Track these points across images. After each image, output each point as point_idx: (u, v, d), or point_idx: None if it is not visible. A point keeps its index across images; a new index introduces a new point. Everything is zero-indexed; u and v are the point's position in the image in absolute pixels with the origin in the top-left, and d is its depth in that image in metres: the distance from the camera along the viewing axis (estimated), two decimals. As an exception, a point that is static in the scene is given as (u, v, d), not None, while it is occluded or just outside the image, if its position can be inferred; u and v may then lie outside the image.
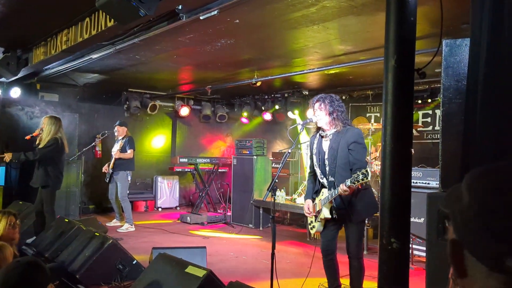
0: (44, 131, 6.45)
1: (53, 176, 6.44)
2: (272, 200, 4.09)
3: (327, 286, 4.24)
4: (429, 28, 5.05)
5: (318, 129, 4.13)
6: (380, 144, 8.10)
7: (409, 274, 1.99)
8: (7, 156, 6.41)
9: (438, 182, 5.85)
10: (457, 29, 4.90)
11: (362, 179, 3.52)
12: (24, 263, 1.99)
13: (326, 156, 4.01)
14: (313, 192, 4.20)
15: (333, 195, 3.85)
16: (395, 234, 1.94)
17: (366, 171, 3.52)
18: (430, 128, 8.65)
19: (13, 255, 2.57)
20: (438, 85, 8.00)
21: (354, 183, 3.58)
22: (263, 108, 10.80)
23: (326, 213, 3.99)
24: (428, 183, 5.91)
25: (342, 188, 3.70)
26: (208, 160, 10.13)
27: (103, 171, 8.39)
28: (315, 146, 4.17)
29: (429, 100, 8.40)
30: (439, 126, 8.32)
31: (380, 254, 2.00)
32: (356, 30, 5.33)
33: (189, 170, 10.25)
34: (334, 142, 3.96)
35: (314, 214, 4.08)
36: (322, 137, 4.11)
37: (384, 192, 1.99)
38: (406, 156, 1.99)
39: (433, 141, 8.52)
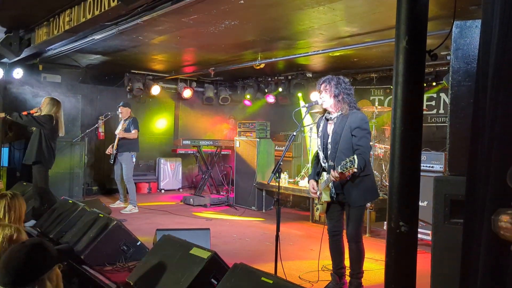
0: (42, 110, 6.49)
1: (46, 153, 6.42)
2: (277, 183, 4.09)
3: (331, 268, 4.27)
4: (437, 10, 4.97)
5: (325, 111, 4.10)
6: (387, 127, 8.09)
7: (416, 258, 1.98)
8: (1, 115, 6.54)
9: (442, 166, 5.86)
10: (465, 11, 4.83)
11: (350, 166, 3.50)
12: (29, 244, 1.99)
13: (329, 140, 3.99)
14: (315, 173, 4.21)
15: (329, 180, 3.85)
16: (403, 217, 1.92)
17: (353, 158, 3.50)
18: (435, 111, 8.61)
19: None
20: (443, 68, 7.95)
21: (343, 170, 3.57)
22: (266, 90, 10.72)
23: (325, 197, 4.02)
24: (432, 167, 5.90)
25: (333, 174, 3.71)
26: (211, 142, 10.12)
27: (107, 152, 8.39)
28: (320, 128, 4.15)
29: (434, 83, 8.32)
30: (443, 109, 8.39)
31: (388, 237, 1.99)
32: (363, 11, 5.26)
33: (192, 152, 10.24)
34: (338, 126, 3.93)
35: (318, 195, 4.09)
36: (327, 120, 4.08)
37: (393, 175, 1.97)
38: (416, 139, 1.97)
39: (437, 124, 8.48)
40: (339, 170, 3.60)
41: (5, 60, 8.25)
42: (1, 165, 8.90)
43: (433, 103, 8.63)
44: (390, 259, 1.98)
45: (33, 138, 6.49)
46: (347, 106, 3.93)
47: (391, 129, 2.02)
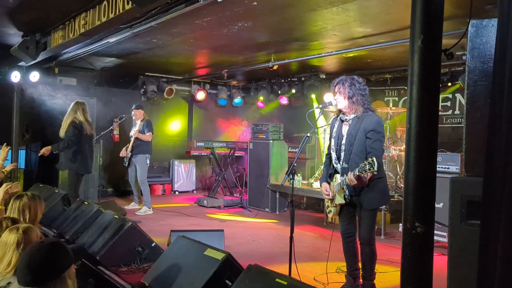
0: (64, 117, 6.78)
1: (76, 159, 6.73)
2: (290, 184, 4.08)
3: (345, 270, 4.24)
4: (452, 9, 4.92)
5: (340, 111, 4.07)
6: (400, 128, 8.03)
7: (433, 259, 1.96)
8: (46, 150, 6.80)
9: (458, 167, 5.80)
10: (481, 10, 4.79)
11: (369, 169, 3.45)
12: (48, 243, 2.01)
13: (343, 142, 3.96)
14: (328, 175, 4.18)
15: (344, 182, 3.82)
16: (419, 218, 1.90)
17: (372, 160, 3.44)
18: (450, 112, 8.52)
19: (39, 238, 2.60)
20: (459, 68, 7.88)
21: (362, 173, 3.52)
22: (279, 92, 10.72)
23: (339, 199, 3.98)
24: (448, 168, 5.84)
25: (350, 177, 3.65)
26: (225, 144, 10.15)
27: (121, 155, 8.45)
28: (335, 129, 4.12)
29: (449, 84, 8.25)
30: (459, 110, 8.29)
31: (403, 238, 1.97)
32: (377, 11, 5.23)
33: (205, 154, 10.28)
34: (353, 128, 3.90)
35: (332, 197, 4.06)
36: (342, 121, 4.05)
37: (409, 176, 1.95)
38: (432, 139, 1.95)
39: (452, 125, 8.40)
40: (357, 173, 3.57)
41: (22, 63, 8.37)
42: (18, 167, 9.03)
43: (448, 103, 8.54)
44: (405, 260, 1.96)
45: None
46: (361, 107, 3.89)
47: (407, 129, 2.00)
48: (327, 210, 4.27)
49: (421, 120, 1.93)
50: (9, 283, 2.30)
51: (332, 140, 4.13)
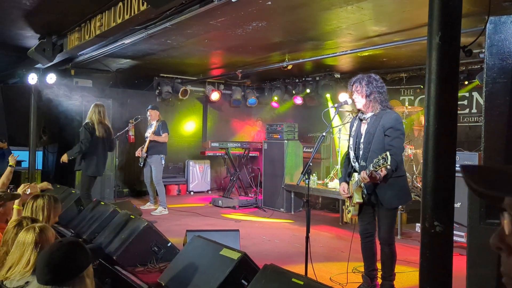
0: None
1: (87, 161, 6.86)
2: (306, 184, 4.05)
3: (363, 270, 4.21)
4: (468, 6, 4.86)
5: (358, 111, 4.05)
6: (416, 127, 7.95)
7: (452, 259, 1.93)
8: (64, 158, 7.00)
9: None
10: (498, 7, 4.72)
11: (383, 164, 3.41)
12: (67, 243, 2.03)
13: (362, 140, 3.93)
14: (346, 175, 4.15)
15: (360, 181, 3.79)
16: (438, 217, 1.88)
17: (386, 155, 3.40)
18: (467, 110, 8.41)
19: (54, 237, 2.63)
20: (476, 66, 7.77)
21: (376, 169, 3.49)
22: (293, 92, 10.68)
23: (357, 198, 3.94)
24: (465, 167, 5.75)
25: (362, 175, 3.63)
26: (239, 144, 10.16)
27: (136, 155, 8.50)
28: (354, 128, 4.09)
29: (466, 82, 8.13)
30: (476, 108, 8.19)
31: (422, 237, 1.95)
32: (392, 10, 5.19)
33: (220, 154, 10.30)
34: (372, 126, 3.87)
35: (349, 196, 4.04)
36: (361, 120, 4.02)
37: (427, 174, 1.93)
38: (451, 137, 1.92)
39: (470, 124, 8.29)
40: (371, 168, 3.54)
41: (39, 65, 8.48)
42: (36, 168, 9.14)
43: (465, 102, 8.43)
44: (424, 260, 1.94)
45: None
46: (379, 105, 3.86)
47: (425, 128, 1.98)
48: (346, 210, 4.24)
49: (439, 118, 1.91)
50: (27, 282, 2.33)
51: (351, 139, 4.10)
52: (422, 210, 1.96)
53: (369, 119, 3.92)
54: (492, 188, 0.78)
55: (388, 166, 3.45)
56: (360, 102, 3.91)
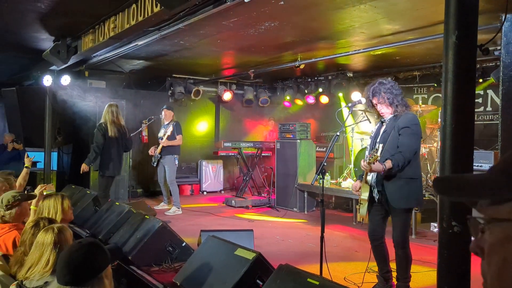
0: None
1: (102, 160, 6.98)
2: (320, 184, 4.06)
3: (377, 271, 4.19)
4: (483, 4, 4.79)
5: (379, 115, 4.09)
6: (429, 126, 7.88)
7: (470, 260, 1.92)
8: (83, 167, 7.04)
9: (492, 165, 5.68)
10: (513, 4, 4.65)
11: (374, 155, 3.59)
12: (86, 243, 2.05)
13: (378, 140, 3.97)
14: (362, 174, 4.16)
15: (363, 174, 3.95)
16: (456, 217, 1.86)
17: (377, 148, 3.61)
18: (482, 109, 8.33)
19: (72, 237, 2.66)
20: (490, 64, 7.68)
21: (369, 160, 3.64)
22: (306, 91, 10.65)
23: (364, 195, 3.97)
24: (481, 166, 5.70)
25: (362, 163, 3.78)
26: (252, 144, 10.17)
27: (149, 153, 8.53)
28: (375, 129, 4.17)
29: (481, 80, 8.05)
30: (491, 107, 8.10)
31: (440, 238, 1.93)
32: (405, 8, 5.15)
33: (233, 154, 10.32)
34: (389, 126, 3.94)
35: (359, 194, 4.07)
36: (382, 122, 4.08)
37: (444, 173, 1.92)
38: (468, 137, 1.91)
39: (484, 122, 8.20)
40: (367, 160, 3.67)
41: (53, 67, 8.57)
42: (51, 168, 9.25)
43: (480, 100, 8.34)
44: (442, 260, 1.93)
45: None
46: (403, 107, 3.89)
47: (441, 127, 1.96)
48: (358, 208, 4.24)
49: (456, 118, 1.89)
50: (46, 282, 2.36)
51: (369, 140, 4.17)
52: (439, 210, 1.94)
53: (388, 120, 3.96)
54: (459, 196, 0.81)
55: (378, 158, 3.59)
56: (387, 110, 3.93)
